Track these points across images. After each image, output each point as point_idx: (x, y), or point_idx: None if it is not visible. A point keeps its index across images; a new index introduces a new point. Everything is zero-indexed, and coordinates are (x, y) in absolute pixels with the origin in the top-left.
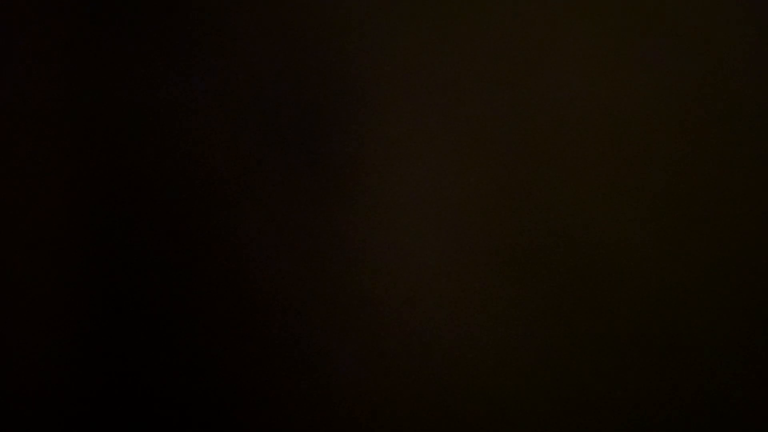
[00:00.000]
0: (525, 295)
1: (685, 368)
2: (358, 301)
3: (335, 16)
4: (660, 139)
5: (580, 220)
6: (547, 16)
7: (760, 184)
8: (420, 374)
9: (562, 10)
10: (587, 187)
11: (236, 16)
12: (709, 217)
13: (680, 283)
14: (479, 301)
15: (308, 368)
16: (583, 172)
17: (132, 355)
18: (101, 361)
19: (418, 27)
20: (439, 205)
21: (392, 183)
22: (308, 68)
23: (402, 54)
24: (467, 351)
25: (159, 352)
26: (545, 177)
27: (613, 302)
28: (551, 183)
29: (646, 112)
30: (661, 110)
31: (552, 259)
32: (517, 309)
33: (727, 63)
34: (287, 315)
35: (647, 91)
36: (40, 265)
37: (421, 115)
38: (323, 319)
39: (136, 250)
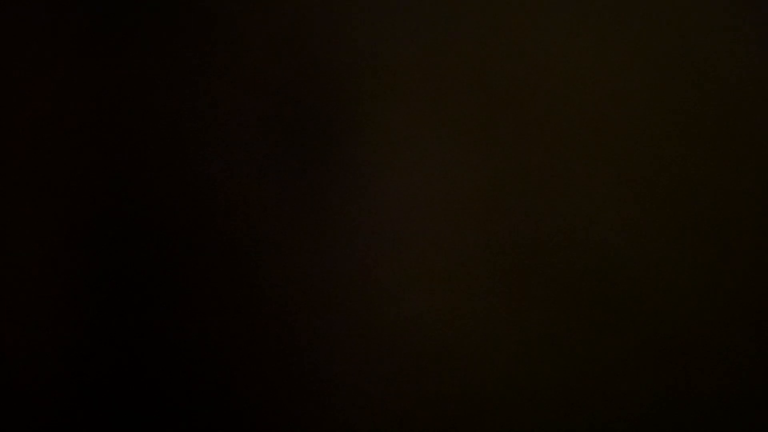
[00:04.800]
0: (526, 295)
1: (684, 368)
2: (360, 299)
3: (336, 16)
4: (660, 139)
5: (580, 219)
6: (547, 16)
7: (760, 184)
8: (422, 373)
9: (562, 10)
10: (588, 186)
11: (237, 16)
12: (708, 216)
13: (680, 283)
14: (481, 299)
15: (309, 369)
16: (584, 171)
17: (131, 355)
18: (103, 363)
19: (419, 26)
20: (440, 205)
21: (394, 181)
22: (309, 68)
23: (403, 53)
24: (468, 348)
25: (159, 350)
26: (546, 176)
27: (612, 301)
28: (552, 182)
29: (646, 112)
30: (660, 110)
31: (552, 258)
32: (520, 308)
33: (726, 63)
34: (288, 315)
35: (647, 91)
36: (43, 267)
37: (422, 114)
38: (324, 318)
39: (137, 250)
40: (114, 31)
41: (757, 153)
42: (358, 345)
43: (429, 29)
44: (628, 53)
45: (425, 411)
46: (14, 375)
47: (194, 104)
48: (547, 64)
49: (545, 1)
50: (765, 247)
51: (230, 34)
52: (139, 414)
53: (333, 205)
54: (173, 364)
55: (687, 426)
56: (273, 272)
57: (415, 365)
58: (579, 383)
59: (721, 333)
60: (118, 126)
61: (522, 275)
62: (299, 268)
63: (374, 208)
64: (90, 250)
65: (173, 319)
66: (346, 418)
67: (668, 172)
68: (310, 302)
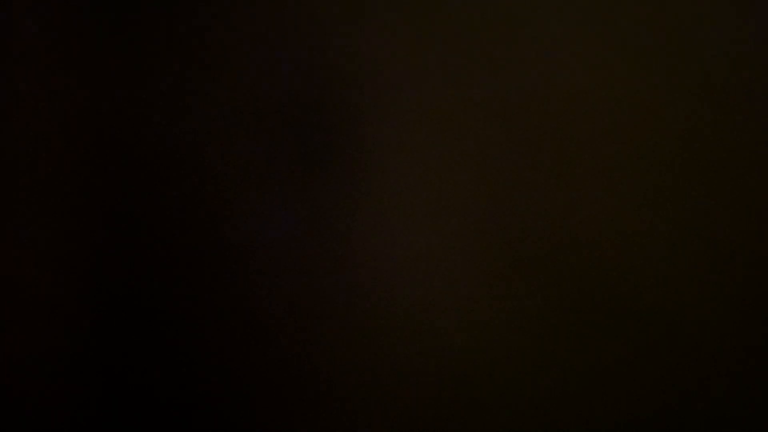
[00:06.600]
0: (526, 293)
1: (684, 368)
2: (359, 299)
3: (336, 15)
4: (658, 136)
5: (578, 220)
6: (548, 16)
7: (760, 183)
8: (422, 373)
9: (562, 9)
10: (588, 184)
11: (237, 15)
12: (707, 215)
13: (679, 281)
14: (481, 296)
15: (309, 369)
16: (584, 169)
17: (132, 356)
18: (103, 363)
19: (418, 25)
20: (440, 206)
21: (394, 181)
22: (310, 68)
23: (403, 52)
24: (470, 349)
25: (159, 351)
26: (547, 174)
27: (612, 299)
28: (553, 180)
29: (645, 109)
30: (658, 107)
31: (550, 259)
32: (519, 306)
33: (725, 63)
34: (289, 315)
35: (646, 89)
36: (42, 267)
37: (422, 114)
38: (324, 320)
39: (138, 251)
40: (115, 32)
41: (756, 153)
42: (358, 345)
43: (432, 29)
44: (624, 53)
45: (425, 412)
46: (16, 376)
47: (195, 106)
48: (546, 66)
49: (544, 7)
50: (765, 247)
51: (231, 37)
52: (140, 415)
53: (333, 207)
54: (175, 366)
55: (685, 426)
56: (273, 273)
57: (415, 365)
58: (576, 382)
59: (721, 333)
60: (119, 127)
61: (521, 277)
62: (299, 269)
63: (374, 210)
64: (91, 252)
65: (175, 320)
66: (347, 420)
67: (665, 172)
68: (309, 302)
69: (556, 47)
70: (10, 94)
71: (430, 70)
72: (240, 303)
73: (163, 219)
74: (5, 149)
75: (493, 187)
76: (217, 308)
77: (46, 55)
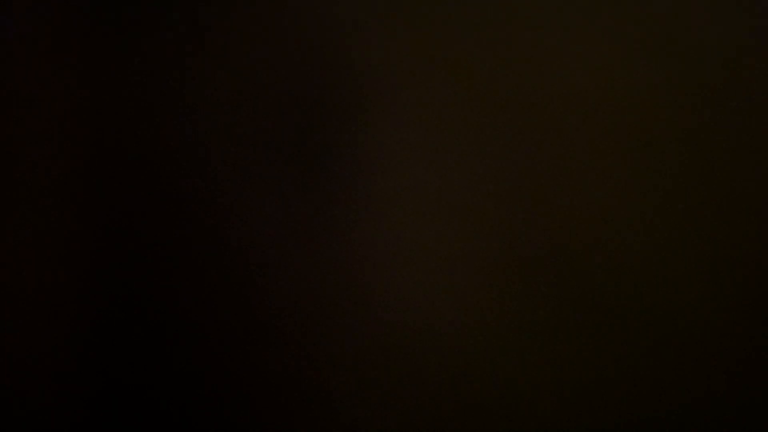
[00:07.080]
0: (526, 293)
1: (684, 367)
2: (359, 301)
3: (336, 16)
4: (659, 137)
5: (582, 217)
6: (548, 15)
7: (760, 183)
8: (422, 373)
9: (562, 11)
10: (589, 187)
11: (237, 14)
12: (707, 215)
13: (679, 281)
14: (480, 300)
15: (309, 369)
16: (585, 171)
17: (132, 356)
18: (104, 363)
19: (418, 27)
20: (440, 207)
21: (394, 180)
22: (309, 68)
23: (403, 54)
24: (469, 350)
25: (159, 351)
26: (547, 177)
27: (613, 300)
28: (553, 183)
29: (646, 109)
30: (659, 107)
31: (553, 256)
32: (519, 306)
33: (726, 64)
34: (289, 315)
35: (646, 89)
36: (42, 267)
37: (422, 116)
38: (324, 321)
39: (137, 249)
40: (115, 32)
41: (756, 153)
42: (358, 345)
43: (432, 30)
44: (624, 53)
45: (425, 412)
46: (16, 376)
47: (195, 106)
48: (550, 66)
49: (545, 7)
50: (765, 247)
51: (231, 37)
52: (140, 415)
53: (333, 207)
54: (175, 366)
55: (685, 426)
56: (273, 273)
57: (415, 365)
58: (577, 382)
59: (721, 333)
60: (119, 127)
61: (522, 276)
62: (299, 268)
63: (374, 209)
64: (91, 252)
65: (175, 320)
66: (347, 420)
67: (665, 172)
68: (309, 302)
69: (556, 47)
70: (10, 94)
71: (430, 70)
72: (240, 303)
73: (163, 219)
74: (5, 149)
75: (493, 186)
76: (217, 308)
77: (46, 55)
